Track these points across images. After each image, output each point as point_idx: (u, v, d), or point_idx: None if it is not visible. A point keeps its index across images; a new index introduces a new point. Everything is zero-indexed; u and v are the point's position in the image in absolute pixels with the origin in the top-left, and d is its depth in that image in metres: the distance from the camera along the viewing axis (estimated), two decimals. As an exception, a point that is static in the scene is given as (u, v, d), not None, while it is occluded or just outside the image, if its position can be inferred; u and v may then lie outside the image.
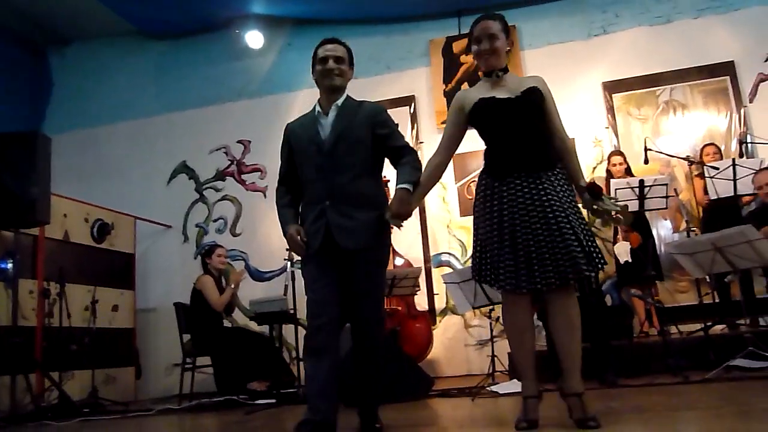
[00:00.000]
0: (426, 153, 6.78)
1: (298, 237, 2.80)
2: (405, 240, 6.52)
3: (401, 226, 2.71)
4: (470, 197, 6.66)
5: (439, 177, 2.86)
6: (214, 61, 7.69)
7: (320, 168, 2.83)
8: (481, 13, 2.76)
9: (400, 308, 5.86)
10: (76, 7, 7.32)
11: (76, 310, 5.68)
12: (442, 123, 6.84)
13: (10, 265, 4.99)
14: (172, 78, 7.84)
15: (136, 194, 7.38)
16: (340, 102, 2.91)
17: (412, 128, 6.96)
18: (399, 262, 6.17)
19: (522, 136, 2.60)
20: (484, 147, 2.76)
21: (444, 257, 6.72)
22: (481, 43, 2.67)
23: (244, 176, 7.41)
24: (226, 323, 5.85)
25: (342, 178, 2.80)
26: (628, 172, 5.66)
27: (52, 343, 5.42)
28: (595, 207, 2.63)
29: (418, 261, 6.53)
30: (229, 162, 7.48)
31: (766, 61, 6.30)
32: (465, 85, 6.84)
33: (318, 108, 2.94)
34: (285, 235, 2.89)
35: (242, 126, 7.45)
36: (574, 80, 6.57)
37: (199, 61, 7.73)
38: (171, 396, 6.13)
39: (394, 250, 6.02)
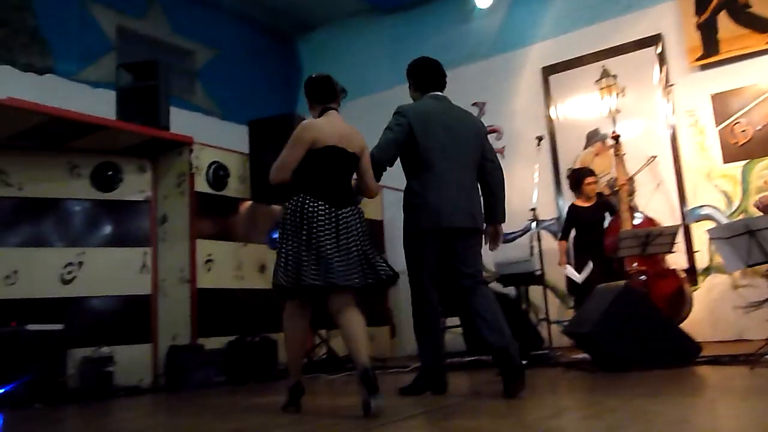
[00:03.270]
0: (677, 96, 6.17)
1: None
2: (644, 195, 6.07)
3: None
4: (734, 141, 5.90)
5: None
6: (444, 27, 7.74)
7: None
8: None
9: (645, 268, 5.41)
10: (316, -6, 7.89)
11: (337, 274, 6.16)
12: (696, 60, 6.13)
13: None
14: (404, 49, 8.01)
15: (381, 164, 7.75)
16: None
17: (661, 70, 6.32)
18: (637, 221, 5.63)
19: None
20: None
21: (704, 210, 6.06)
22: None
23: (480, 138, 7.39)
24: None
25: None
26: None
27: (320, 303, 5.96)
28: None
29: (664, 217, 5.95)
30: (465, 125, 7.51)
31: None
32: (724, 14, 6.02)
33: None
34: None
35: (476, 88, 7.40)
36: None
37: (429, 29, 7.83)
38: (424, 354, 6.40)
39: (630, 207, 5.62)
